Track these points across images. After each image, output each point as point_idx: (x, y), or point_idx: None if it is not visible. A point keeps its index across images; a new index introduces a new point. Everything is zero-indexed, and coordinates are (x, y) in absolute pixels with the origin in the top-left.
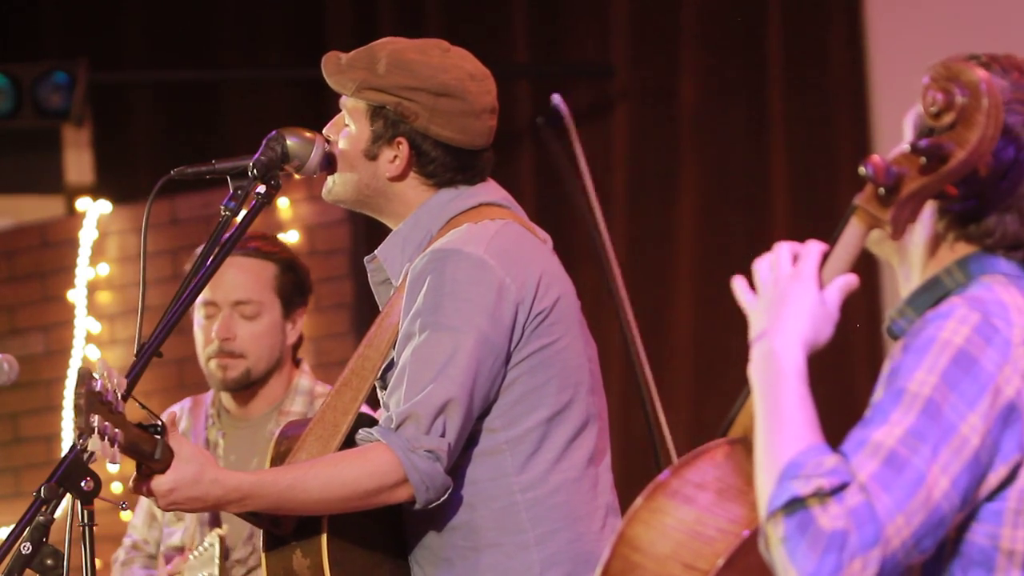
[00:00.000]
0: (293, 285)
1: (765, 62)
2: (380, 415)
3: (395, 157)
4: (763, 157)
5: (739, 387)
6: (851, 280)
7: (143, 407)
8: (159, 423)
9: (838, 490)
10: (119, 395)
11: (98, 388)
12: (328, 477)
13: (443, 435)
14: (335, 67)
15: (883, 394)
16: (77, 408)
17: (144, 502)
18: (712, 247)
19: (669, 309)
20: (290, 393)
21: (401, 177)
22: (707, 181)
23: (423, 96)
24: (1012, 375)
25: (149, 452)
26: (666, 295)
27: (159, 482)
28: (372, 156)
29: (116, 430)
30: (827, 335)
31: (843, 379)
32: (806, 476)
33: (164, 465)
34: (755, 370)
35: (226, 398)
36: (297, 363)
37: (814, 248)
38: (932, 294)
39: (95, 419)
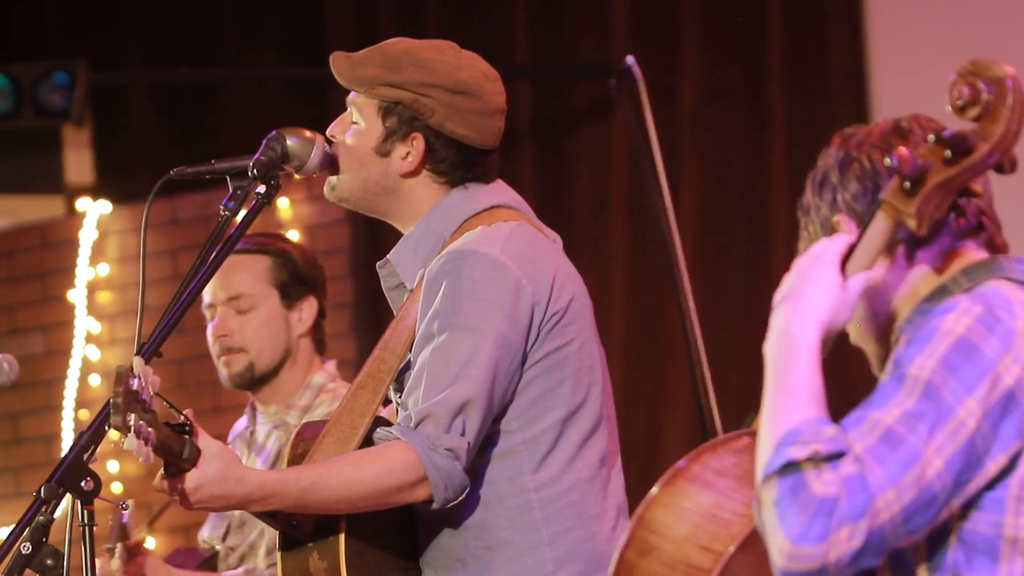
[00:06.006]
0: (290, 274)
1: (765, 62)
2: (386, 412)
3: (408, 153)
4: (763, 157)
5: (738, 385)
6: (875, 276)
7: (171, 406)
8: (188, 422)
9: (834, 457)
10: (152, 395)
11: (135, 387)
12: (349, 475)
13: (463, 434)
14: (346, 65)
15: (885, 379)
16: (115, 407)
17: None
18: (712, 247)
19: (670, 308)
20: (301, 389)
21: (413, 174)
22: (707, 181)
23: (440, 93)
24: (1012, 364)
25: (178, 451)
26: (666, 294)
27: (186, 480)
28: (384, 153)
29: (150, 429)
30: (844, 320)
31: (843, 378)
32: (803, 441)
33: (192, 464)
34: (770, 345)
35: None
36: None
37: (840, 239)
38: (938, 301)
39: (131, 418)
